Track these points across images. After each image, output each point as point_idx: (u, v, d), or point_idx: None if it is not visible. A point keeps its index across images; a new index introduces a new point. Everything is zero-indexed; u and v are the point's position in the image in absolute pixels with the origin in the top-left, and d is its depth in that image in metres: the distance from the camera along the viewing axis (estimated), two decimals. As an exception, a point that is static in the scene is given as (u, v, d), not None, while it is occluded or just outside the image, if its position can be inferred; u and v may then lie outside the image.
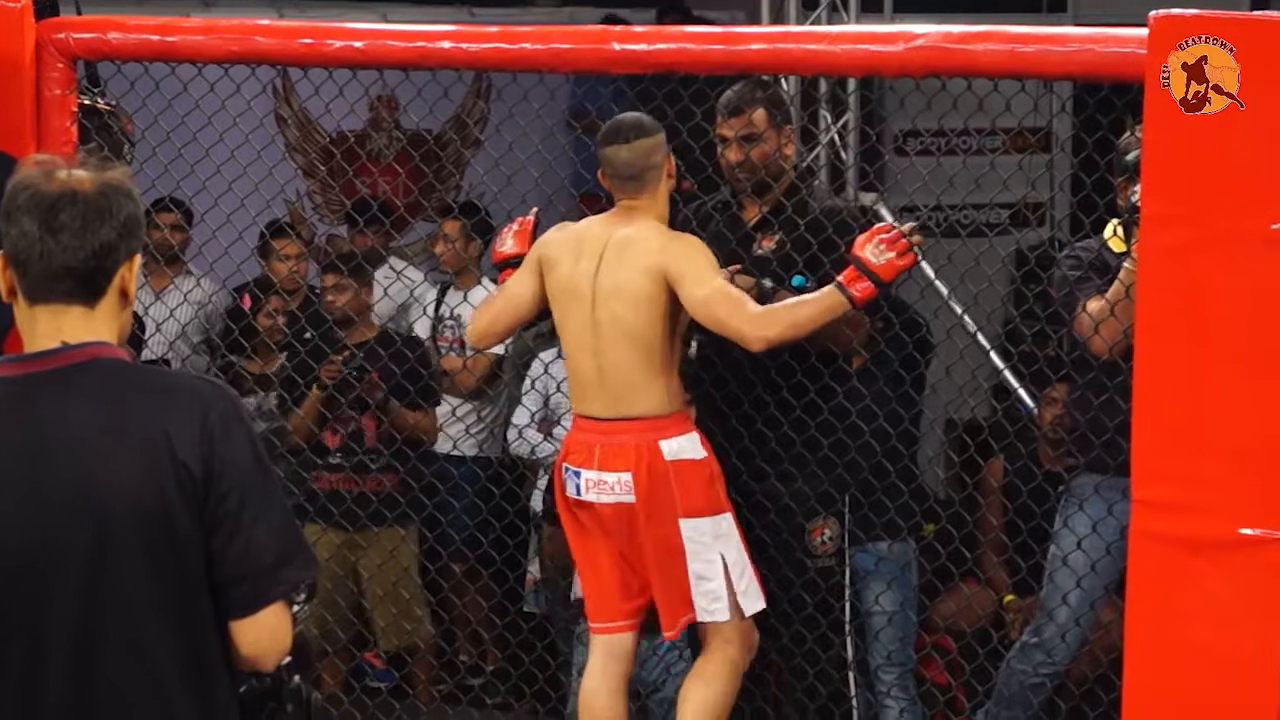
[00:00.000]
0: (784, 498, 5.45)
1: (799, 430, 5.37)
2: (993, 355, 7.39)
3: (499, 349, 6.88)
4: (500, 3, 9.41)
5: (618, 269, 4.99)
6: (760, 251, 5.45)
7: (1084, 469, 5.41)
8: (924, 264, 6.76)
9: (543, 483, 6.69)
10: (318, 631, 6.12)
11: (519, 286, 5.18)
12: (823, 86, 7.73)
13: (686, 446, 5.00)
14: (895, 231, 4.89)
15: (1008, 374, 7.42)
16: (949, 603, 6.75)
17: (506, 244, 5.29)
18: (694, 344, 5.34)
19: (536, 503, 6.75)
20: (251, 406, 6.30)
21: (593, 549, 5.12)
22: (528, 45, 4.96)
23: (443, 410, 6.94)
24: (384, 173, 8.91)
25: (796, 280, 5.28)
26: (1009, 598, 6.66)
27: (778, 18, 7.93)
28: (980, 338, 7.28)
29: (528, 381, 6.77)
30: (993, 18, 5.21)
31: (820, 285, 5.04)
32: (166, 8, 7.62)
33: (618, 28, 5.19)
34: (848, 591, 5.66)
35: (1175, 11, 4.16)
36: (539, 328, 7.49)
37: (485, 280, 7.22)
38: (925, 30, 4.62)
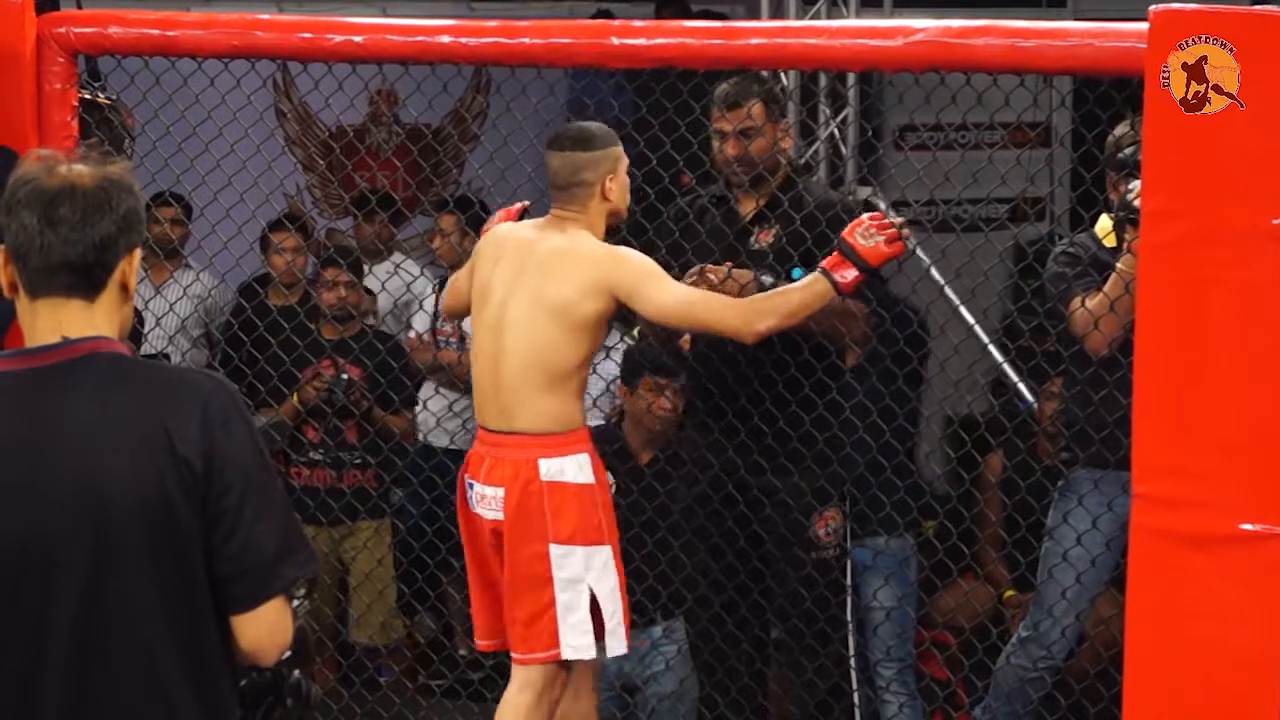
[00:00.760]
0: (780, 493, 5.45)
1: (794, 426, 5.37)
2: (991, 349, 7.39)
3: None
4: (499, -3, 9.42)
5: (544, 278, 4.81)
6: (757, 245, 5.45)
7: (1082, 464, 5.41)
8: (921, 256, 6.79)
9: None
10: (317, 626, 6.13)
11: (461, 275, 5.14)
12: (822, 81, 7.73)
13: (569, 468, 4.77)
14: (886, 220, 4.88)
15: (1006, 368, 7.41)
16: (948, 598, 6.76)
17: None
18: (685, 337, 5.32)
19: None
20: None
21: (478, 564, 4.95)
22: (526, 40, 4.95)
23: (440, 404, 6.94)
24: (383, 167, 8.92)
25: (795, 274, 5.27)
26: (1008, 593, 6.66)
27: (777, 12, 7.92)
28: (979, 332, 7.28)
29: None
30: (992, 12, 5.21)
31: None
32: (167, 2, 7.62)
33: (615, 22, 5.18)
34: (848, 586, 5.66)
35: (1175, 6, 4.16)
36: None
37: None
38: (924, 25, 4.62)
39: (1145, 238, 4.27)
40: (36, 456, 2.94)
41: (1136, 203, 4.49)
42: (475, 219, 7.33)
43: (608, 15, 8.61)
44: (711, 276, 5.09)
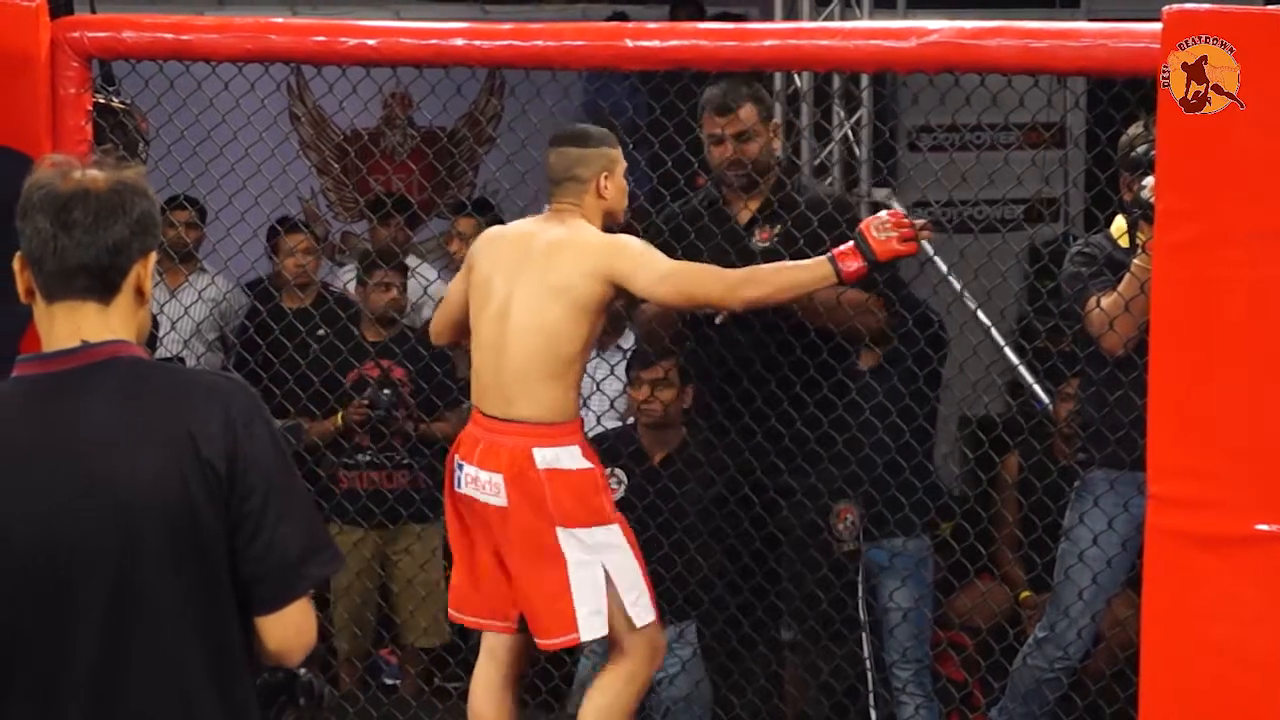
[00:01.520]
0: (798, 494, 5.45)
1: (812, 427, 5.37)
2: (1007, 350, 7.39)
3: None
4: (513, 0, 9.42)
5: (547, 265, 4.87)
6: (761, 245, 5.46)
7: (1098, 464, 5.41)
8: (938, 260, 6.79)
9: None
10: (349, 630, 6.12)
11: (454, 287, 5.18)
12: (836, 82, 7.72)
13: (563, 456, 4.81)
14: (905, 219, 4.88)
15: (1022, 369, 7.41)
16: (964, 599, 6.75)
17: None
18: (720, 316, 5.31)
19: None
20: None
21: (468, 543, 5.00)
22: (541, 42, 4.95)
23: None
24: (398, 170, 8.92)
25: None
26: (1025, 594, 6.66)
27: (791, 13, 7.92)
28: (994, 333, 7.27)
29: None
30: (1006, 13, 5.21)
31: None
32: (181, 6, 7.63)
33: (629, 24, 5.19)
34: (862, 587, 5.66)
35: (1189, 6, 4.15)
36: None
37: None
38: (939, 26, 4.62)
39: (1159, 238, 4.26)
40: (58, 462, 2.94)
41: (1151, 199, 4.48)
42: (494, 222, 7.34)
43: (622, 17, 8.62)
44: None
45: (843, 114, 7.89)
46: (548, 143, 5.02)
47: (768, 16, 8.25)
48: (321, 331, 6.40)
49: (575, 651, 6.17)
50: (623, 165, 5.01)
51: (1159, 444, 4.24)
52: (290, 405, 6.41)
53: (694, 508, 5.66)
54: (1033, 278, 8.15)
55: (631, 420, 6.21)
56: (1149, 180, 4.58)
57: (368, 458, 6.80)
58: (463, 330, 5.13)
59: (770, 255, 5.35)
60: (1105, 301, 5.09)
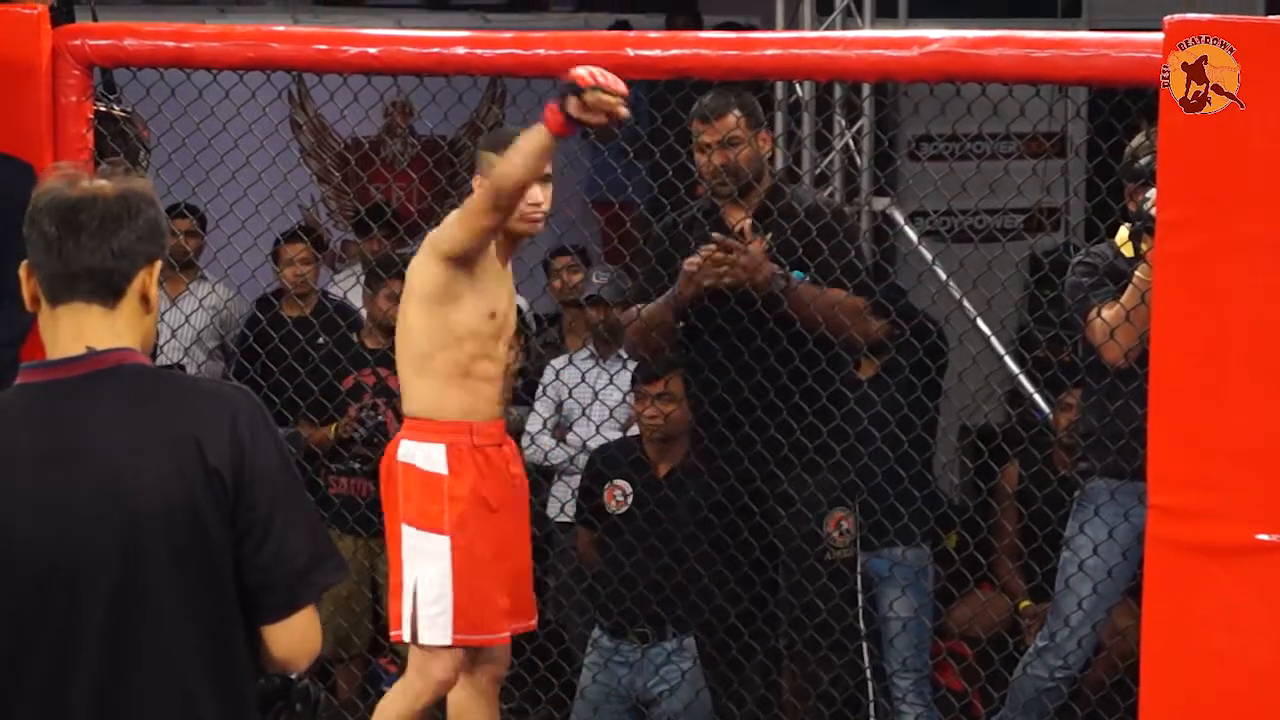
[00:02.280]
0: (797, 503, 5.45)
1: (811, 436, 5.37)
2: (1007, 360, 7.39)
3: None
4: (515, 8, 9.43)
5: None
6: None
7: (1099, 474, 5.41)
8: (937, 269, 6.79)
9: (557, 489, 6.69)
10: (333, 638, 6.11)
11: None
12: (837, 92, 7.73)
13: (417, 454, 4.80)
14: (616, 86, 4.46)
15: (1022, 379, 7.41)
16: (964, 608, 6.74)
17: None
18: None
19: (551, 509, 6.74)
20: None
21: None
22: (542, 51, 4.96)
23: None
24: (398, 179, 8.92)
25: (796, 275, 5.31)
26: (1024, 603, 6.65)
27: (792, 23, 7.93)
28: (994, 343, 7.27)
29: (540, 388, 6.77)
30: (1007, 22, 5.21)
31: (815, 280, 5.17)
32: (182, 15, 7.64)
33: (631, 33, 5.19)
34: (861, 597, 5.66)
35: (1190, 16, 4.16)
36: (546, 335, 7.52)
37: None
38: (940, 35, 4.62)
39: (1160, 248, 4.26)
40: (64, 469, 2.94)
41: (1153, 211, 4.48)
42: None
43: (625, 26, 8.62)
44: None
45: (844, 123, 7.90)
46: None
47: (769, 26, 8.25)
48: (321, 340, 6.40)
49: (574, 660, 6.18)
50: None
51: (1160, 454, 4.24)
52: (289, 413, 6.42)
53: (694, 518, 5.65)
54: (1033, 287, 8.14)
55: (635, 431, 6.20)
56: (1151, 193, 4.59)
57: (357, 465, 6.79)
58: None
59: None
60: (1107, 312, 5.09)
